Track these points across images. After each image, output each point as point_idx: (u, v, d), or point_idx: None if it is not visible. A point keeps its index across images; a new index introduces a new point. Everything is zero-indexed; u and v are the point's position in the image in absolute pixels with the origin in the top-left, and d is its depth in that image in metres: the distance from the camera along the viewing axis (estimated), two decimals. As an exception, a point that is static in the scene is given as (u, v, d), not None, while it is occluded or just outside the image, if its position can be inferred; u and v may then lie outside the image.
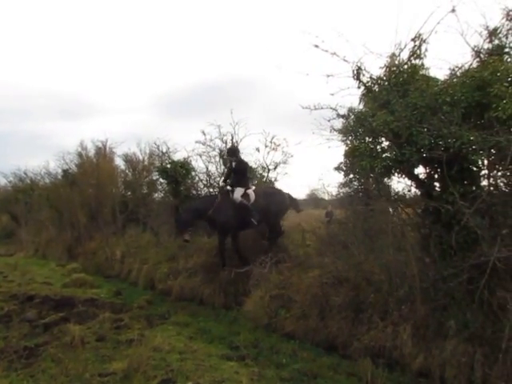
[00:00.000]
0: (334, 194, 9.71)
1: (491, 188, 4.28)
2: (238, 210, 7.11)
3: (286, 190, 8.25)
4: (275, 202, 7.43)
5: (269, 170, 9.22)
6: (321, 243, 7.13)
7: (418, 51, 4.78)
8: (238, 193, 7.22)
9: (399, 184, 5.08)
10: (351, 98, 5.14)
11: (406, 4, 4.58)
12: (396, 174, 4.83)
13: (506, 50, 4.46)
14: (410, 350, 4.22)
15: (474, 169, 4.39)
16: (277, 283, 5.96)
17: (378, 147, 4.74)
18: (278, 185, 9.50)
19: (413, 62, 4.82)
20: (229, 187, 7.47)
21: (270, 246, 7.41)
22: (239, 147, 8.47)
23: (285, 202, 7.70)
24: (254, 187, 7.61)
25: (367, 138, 4.87)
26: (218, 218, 7.18)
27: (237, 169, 7.53)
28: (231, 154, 7.72)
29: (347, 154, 5.36)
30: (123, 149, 15.59)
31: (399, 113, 4.32)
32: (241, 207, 7.10)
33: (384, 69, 4.90)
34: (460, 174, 4.31)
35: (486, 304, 4.04)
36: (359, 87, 5.10)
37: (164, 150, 10.99)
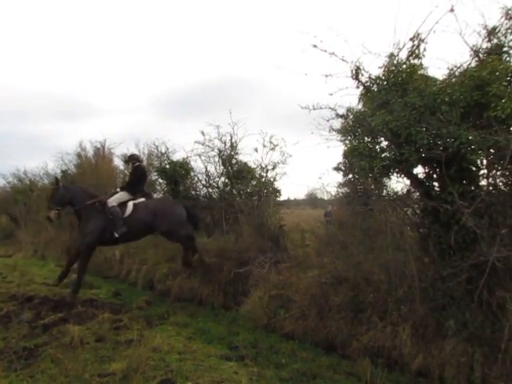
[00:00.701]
0: (333, 193, 9.70)
1: (490, 188, 4.27)
2: (107, 217, 6.73)
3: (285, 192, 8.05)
4: (162, 216, 6.96)
5: (267, 170, 9.21)
6: (320, 243, 7.13)
7: (417, 51, 4.78)
8: (116, 199, 6.91)
9: (398, 184, 5.09)
10: (350, 97, 5.15)
11: (405, 3, 4.58)
12: (395, 174, 4.83)
13: (505, 49, 4.46)
14: (409, 350, 4.23)
15: (473, 168, 4.39)
16: (276, 283, 5.95)
17: (377, 147, 4.74)
18: (277, 185, 9.50)
19: (411, 61, 4.82)
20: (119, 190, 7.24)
21: (185, 258, 7.17)
22: (137, 154, 8.20)
23: (172, 215, 7.09)
24: (142, 199, 7.17)
25: (366, 138, 4.88)
26: (82, 216, 6.82)
27: (129, 176, 7.54)
28: (125, 162, 7.76)
29: (346, 154, 5.37)
30: (122, 149, 15.59)
31: (398, 112, 4.32)
32: (110, 214, 6.72)
33: (383, 68, 4.89)
34: (459, 174, 4.32)
35: (486, 304, 4.04)
36: (358, 87, 5.10)
37: (163, 151, 10.96)
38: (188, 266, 7.24)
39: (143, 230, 7.06)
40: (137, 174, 7.39)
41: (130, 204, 6.97)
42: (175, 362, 4.06)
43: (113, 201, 6.86)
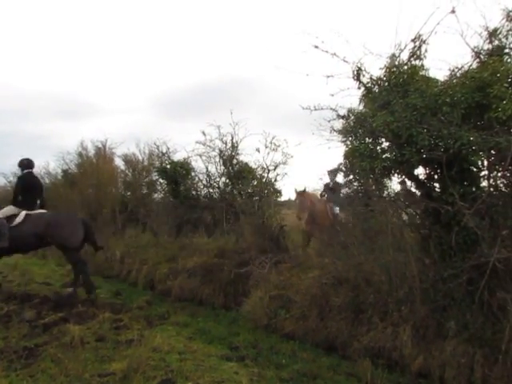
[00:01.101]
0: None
1: (491, 189, 4.27)
2: None
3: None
4: (56, 228, 6.46)
5: (269, 170, 9.23)
6: (321, 244, 7.13)
7: (418, 52, 4.77)
8: (2, 213, 6.41)
9: (399, 184, 5.09)
10: (351, 98, 5.13)
11: (406, 5, 4.58)
12: (396, 175, 4.83)
13: (506, 50, 4.46)
14: (409, 351, 4.22)
15: (474, 170, 4.39)
16: (276, 284, 5.95)
17: (378, 148, 4.74)
18: (277, 185, 9.52)
19: (413, 62, 4.81)
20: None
21: (75, 281, 6.80)
22: (29, 159, 7.04)
23: (68, 228, 6.60)
24: (40, 210, 6.74)
25: (367, 139, 4.87)
26: None
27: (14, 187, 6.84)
28: (18, 166, 6.97)
29: (347, 155, 5.35)
30: (123, 149, 15.60)
31: (399, 113, 4.31)
32: None
33: (384, 69, 4.88)
34: (460, 175, 4.31)
35: (486, 305, 4.04)
36: (359, 88, 5.09)
37: (164, 151, 10.98)
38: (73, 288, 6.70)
39: (33, 241, 6.52)
40: (21, 183, 6.71)
41: (22, 214, 6.49)
42: (175, 361, 4.06)
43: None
